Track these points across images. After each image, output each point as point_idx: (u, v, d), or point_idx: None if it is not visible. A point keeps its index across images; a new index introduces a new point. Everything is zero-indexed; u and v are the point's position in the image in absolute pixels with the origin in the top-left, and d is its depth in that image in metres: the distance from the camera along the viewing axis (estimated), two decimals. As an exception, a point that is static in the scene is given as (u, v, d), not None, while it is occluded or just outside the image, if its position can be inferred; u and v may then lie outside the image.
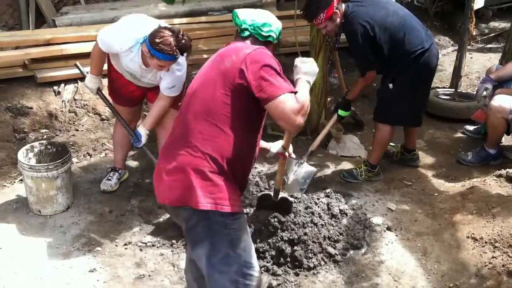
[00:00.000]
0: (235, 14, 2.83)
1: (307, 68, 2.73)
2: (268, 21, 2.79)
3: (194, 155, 2.53)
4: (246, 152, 2.66)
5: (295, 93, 2.53)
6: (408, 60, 4.25)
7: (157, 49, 3.54)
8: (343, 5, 4.28)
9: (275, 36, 2.80)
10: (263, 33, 2.75)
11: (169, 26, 3.70)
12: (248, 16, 2.78)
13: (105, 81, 4.34)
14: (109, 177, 4.47)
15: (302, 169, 4.35)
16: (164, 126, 4.16)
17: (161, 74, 3.89)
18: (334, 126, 4.81)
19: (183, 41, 3.58)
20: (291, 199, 3.75)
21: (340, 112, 4.62)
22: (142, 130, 4.07)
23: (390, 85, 4.39)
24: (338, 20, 4.25)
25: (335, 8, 4.20)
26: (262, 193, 3.80)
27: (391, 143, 5.08)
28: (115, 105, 4.27)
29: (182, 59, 3.82)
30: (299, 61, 2.77)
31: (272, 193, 3.66)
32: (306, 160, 4.44)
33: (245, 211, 3.80)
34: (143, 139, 4.07)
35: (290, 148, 3.32)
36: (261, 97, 2.49)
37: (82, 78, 5.38)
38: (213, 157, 2.53)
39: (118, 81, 4.14)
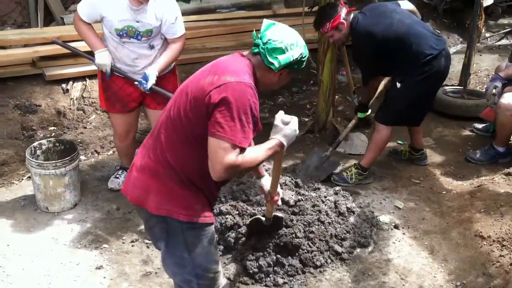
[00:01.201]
0: (264, 25, 2.55)
1: (289, 131, 2.55)
2: (286, 46, 2.49)
3: (160, 160, 2.50)
4: (208, 173, 2.43)
5: (244, 149, 2.36)
6: (417, 67, 4.20)
7: None
8: (351, 15, 4.29)
9: (277, 66, 2.48)
10: (269, 58, 2.47)
11: None
12: (269, 33, 2.50)
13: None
14: (117, 175, 4.49)
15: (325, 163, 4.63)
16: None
17: (156, 12, 3.78)
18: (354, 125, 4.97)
19: None
20: (281, 215, 3.66)
21: (360, 114, 4.83)
22: (151, 71, 3.85)
23: (398, 85, 4.35)
24: (344, 30, 4.29)
25: (342, 18, 4.23)
26: (251, 219, 3.63)
27: (399, 141, 5.07)
28: (111, 115, 4.18)
29: None
30: (280, 121, 2.57)
31: (262, 217, 3.57)
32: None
33: (253, 211, 3.81)
34: (151, 81, 3.83)
35: (279, 190, 3.16)
36: (209, 127, 2.34)
37: (91, 76, 5.47)
38: (177, 167, 2.47)
39: (114, 84, 4.03)
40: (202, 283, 2.62)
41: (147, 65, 3.94)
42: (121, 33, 3.80)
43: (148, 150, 2.57)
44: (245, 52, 2.59)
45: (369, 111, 4.91)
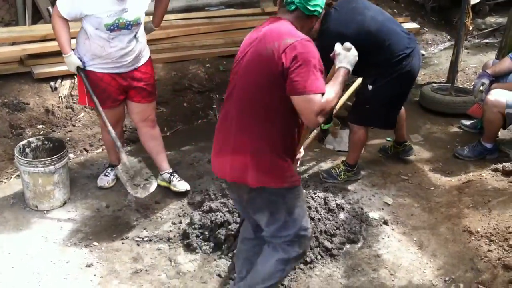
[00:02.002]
0: None
1: (352, 58, 2.75)
2: None
3: (251, 138, 2.70)
4: (292, 132, 2.78)
5: (323, 93, 2.58)
6: (389, 66, 4.11)
7: None
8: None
9: (320, 10, 2.76)
10: (309, 7, 2.71)
11: None
12: None
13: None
14: (106, 173, 4.48)
15: None
16: (148, 119, 4.28)
17: None
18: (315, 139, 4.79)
19: None
20: None
21: (322, 126, 4.54)
22: (148, 25, 4.20)
23: (370, 87, 4.23)
24: (317, 25, 4.05)
25: None
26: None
27: (387, 138, 5.09)
28: (104, 110, 4.08)
29: None
30: (341, 49, 2.76)
31: None
32: None
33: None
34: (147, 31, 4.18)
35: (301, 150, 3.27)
36: (289, 89, 2.57)
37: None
38: (266, 141, 2.69)
39: (102, 81, 4.00)
40: (303, 240, 2.90)
41: (134, 59, 3.98)
42: (112, 27, 3.78)
43: (232, 133, 2.75)
44: (280, 16, 2.77)
45: (331, 123, 4.71)
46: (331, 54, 2.80)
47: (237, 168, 2.74)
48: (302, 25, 2.74)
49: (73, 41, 3.97)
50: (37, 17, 6.47)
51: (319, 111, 2.55)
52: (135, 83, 4.10)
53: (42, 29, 5.84)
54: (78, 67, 3.93)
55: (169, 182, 4.36)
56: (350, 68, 2.74)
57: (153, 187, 4.01)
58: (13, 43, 5.68)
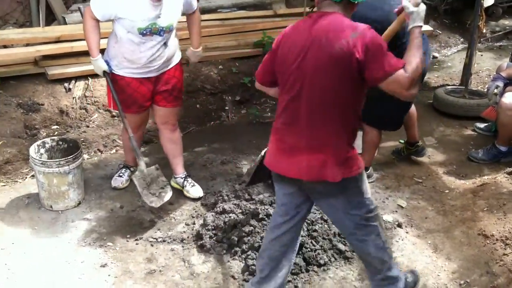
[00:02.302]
0: None
1: (422, 13, 2.74)
2: None
3: (328, 134, 2.74)
4: (357, 123, 2.86)
5: (403, 66, 2.60)
6: None
7: None
8: None
9: None
10: None
11: None
12: None
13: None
14: (121, 174, 4.50)
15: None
16: (169, 122, 4.25)
17: (174, 4, 3.82)
18: None
19: None
20: None
21: None
22: (191, 51, 4.22)
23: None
24: None
25: None
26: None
27: (400, 140, 5.06)
28: (128, 115, 4.07)
29: None
30: (412, 5, 2.73)
31: None
32: None
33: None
34: (193, 60, 4.28)
35: None
36: (372, 79, 2.61)
37: (93, 75, 5.48)
38: (342, 133, 2.75)
39: (129, 87, 3.98)
40: (375, 213, 2.99)
41: (162, 63, 3.95)
42: (144, 31, 3.73)
43: (305, 133, 2.76)
44: (327, 10, 2.73)
45: None
46: (395, 10, 2.86)
47: (316, 166, 2.76)
48: (349, 13, 2.77)
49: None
50: (51, 18, 6.53)
51: (409, 85, 2.59)
52: (162, 86, 4.05)
53: (56, 30, 5.89)
54: (104, 71, 3.91)
55: (183, 186, 4.36)
56: (422, 25, 2.75)
57: (168, 196, 4.01)
58: (27, 44, 5.73)
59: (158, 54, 3.89)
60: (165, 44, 3.90)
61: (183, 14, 4.00)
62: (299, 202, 3.02)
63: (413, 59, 2.62)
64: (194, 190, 4.35)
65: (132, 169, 4.49)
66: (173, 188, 4.21)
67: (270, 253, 3.13)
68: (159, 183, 4.03)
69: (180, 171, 4.40)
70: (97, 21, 3.78)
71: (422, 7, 2.74)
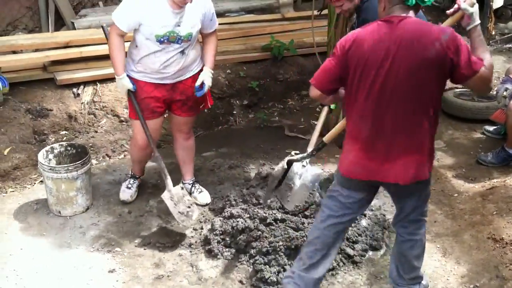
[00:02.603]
0: None
1: (477, 10, 2.83)
2: None
3: (422, 136, 2.83)
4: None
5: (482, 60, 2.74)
6: None
7: None
8: None
9: None
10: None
11: None
12: None
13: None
14: (129, 185, 4.42)
15: (307, 172, 3.89)
16: (183, 130, 4.24)
17: (196, 8, 3.76)
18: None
19: None
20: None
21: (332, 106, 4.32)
22: (207, 71, 3.97)
23: None
24: (356, 1, 3.84)
25: None
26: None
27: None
28: (134, 122, 4.06)
29: None
30: (469, 6, 2.80)
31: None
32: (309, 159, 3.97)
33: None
34: (208, 83, 3.95)
35: None
36: (461, 78, 2.75)
37: (101, 80, 5.50)
38: (431, 132, 2.87)
39: (142, 91, 3.93)
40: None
41: (178, 71, 3.90)
42: (162, 39, 3.71)
43: (398, 137, 2.82)
44: (399, 13, 2.76)
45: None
46: (449, 12, 2.88)
47: (413, 168, 2.84)
48: (416, 15, 2.83)
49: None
50: (60, 23, 6.56)
51: (490, 79, 2.76)
52: (177, 96, 4.01)
53: (65, 35, 5.92)
54: (128, 90, 3.90)
55: (190, 193, 4.35)
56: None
57: (195, 214, 4.01)
58: (36, 50, 5.77)
59: (173, 61, 3.84)
60: (183, 52, 3.84)
61: (201, 33, 3.96)
62: (364, 202, 3.13)
63: (486, 55, 2.76)
64: (202, 196, 4.36)
65: (139, 179, 4.49)
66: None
67: (324, 239, 3.11)
68: (185, 202, 4.02)
69: (188, 177, 4.41)
70: (122, 36, 3.79)
71: (476, 6, 2.83)
